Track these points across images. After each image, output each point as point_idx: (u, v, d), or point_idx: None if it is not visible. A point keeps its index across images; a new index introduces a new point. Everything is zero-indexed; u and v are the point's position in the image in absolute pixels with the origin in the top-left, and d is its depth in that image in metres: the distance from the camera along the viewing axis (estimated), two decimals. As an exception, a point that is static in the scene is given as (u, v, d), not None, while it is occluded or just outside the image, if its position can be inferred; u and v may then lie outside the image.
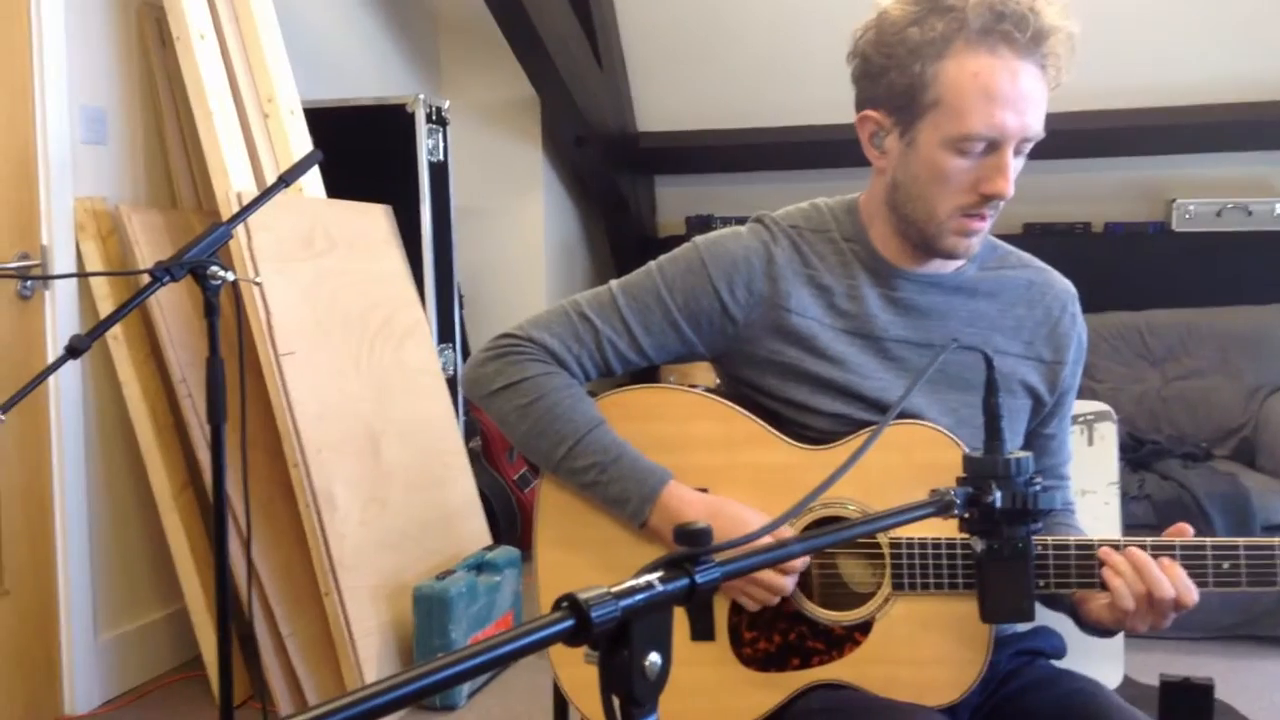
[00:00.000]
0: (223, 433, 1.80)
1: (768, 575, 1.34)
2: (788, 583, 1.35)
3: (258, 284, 2.55)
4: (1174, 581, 1.23)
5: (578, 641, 0.69)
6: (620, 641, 0.72)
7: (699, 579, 0.76)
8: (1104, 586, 1.27)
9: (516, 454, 4.18)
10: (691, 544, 0.78)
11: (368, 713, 0.59)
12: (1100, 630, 1.34)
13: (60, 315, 2.81)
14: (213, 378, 1.76)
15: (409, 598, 2.89)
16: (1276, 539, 1.25)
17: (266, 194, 1.90)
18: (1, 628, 2.69)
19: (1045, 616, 1.48)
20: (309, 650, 2.84)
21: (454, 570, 3.00)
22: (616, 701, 0.73)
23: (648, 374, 3.09)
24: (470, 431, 3.97)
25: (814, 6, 4.19)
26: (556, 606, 0.69)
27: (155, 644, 3.13)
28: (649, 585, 0.74)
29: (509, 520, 4.00)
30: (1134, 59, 4.06)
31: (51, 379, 2.66)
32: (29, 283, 2.75)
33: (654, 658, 0.73)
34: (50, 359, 2.73)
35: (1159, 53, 4.10)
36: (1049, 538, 1.30)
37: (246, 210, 1.88)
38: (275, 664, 2.80)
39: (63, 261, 2.79)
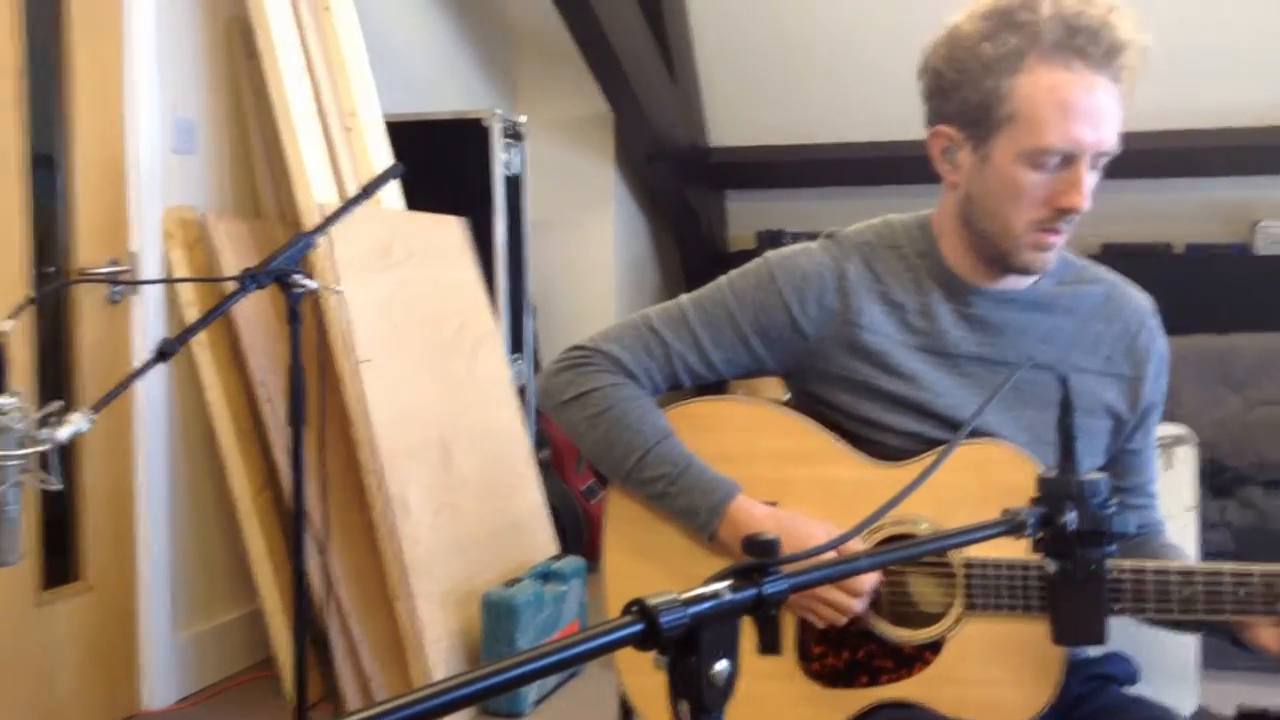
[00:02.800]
0: (302, 437, 1.85)
1: (837, 595, 1.33)
2: (857, 604, 1.34)
3: (339, 292, 2.60)
4: None
5: (646, 646, 0.70)
6: (688, 648, 0.73)
7: (766, 589, 0.77)
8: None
9: (584, 465, 4.21)
10: (760, 554, 0.79)
11: (437, 709, 0.61)
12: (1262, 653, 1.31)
13: (148, 320, 2.89)
14: (294, 383, 1.81)
15: (477, 604, 2.92)
16: None
17: (348, 205, 1.95)
18: (84, 623, 2.78)
19: (1119, 641, 1.46)
20: (380, 653, 2.89)
21: (521, 578, 3.03)
22: (685, 707, 0.75)
23: (716, 387, 3.09)
24: (540, 442, 4.01)
25: (885, 23, 4.17)
26: (626, 611, 0.70)
27: (231, 643, 3.20)
28: (717, 594, 0.75)
29: (576, 530, 4.02)
30: (1218, 78, 3.98)
31: (137, 382, 2.74)
32: (118, 288, 2.84)
33: (722, 665, 0.74)
34: (136, 363, 2.82)
35: (1243, 72, 4.02)
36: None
37: (329, 221, 1.93)
38: (347, 666, 2.85)
39: (150, 268, 2.88)
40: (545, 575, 3.10)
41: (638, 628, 0.69)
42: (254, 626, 3.18)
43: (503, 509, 3.26)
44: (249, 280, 1.73)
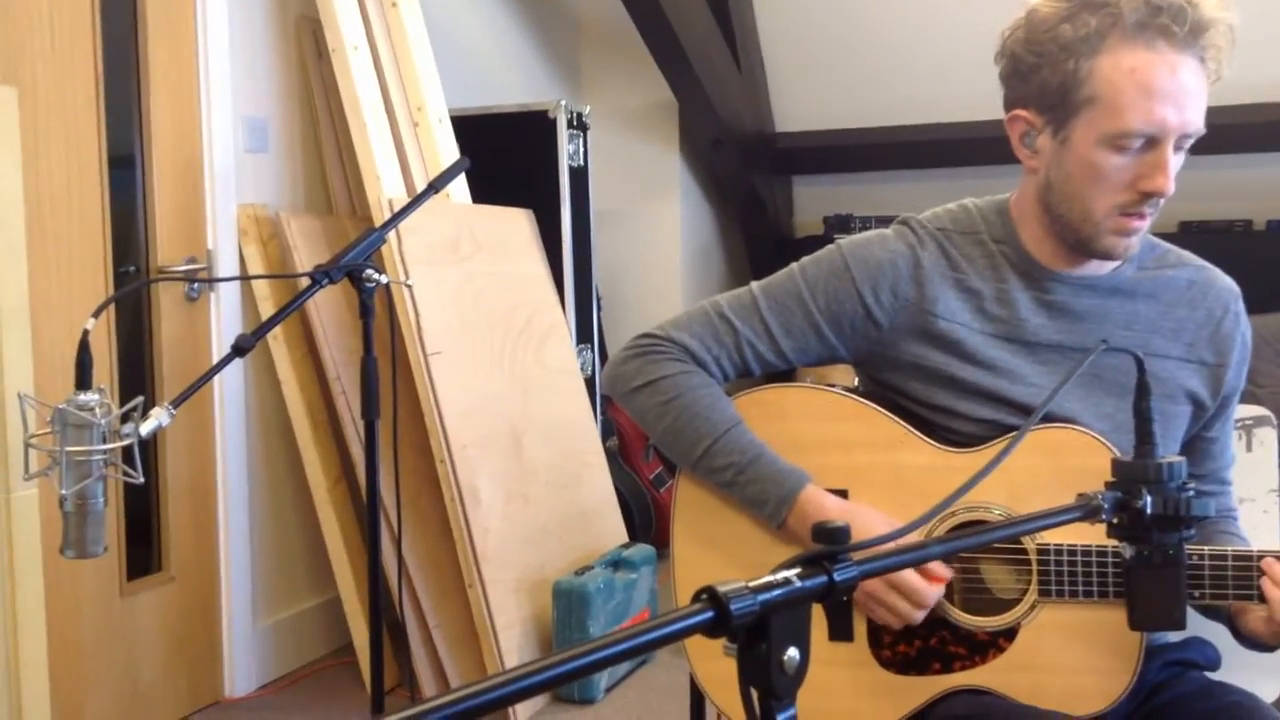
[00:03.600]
0: (376, 429, 1.88)
1: (913, 580, 1.32)
2: (932, 593, 1.33)
3: (409, 286, 2.64)
4: None
5: (716, 633, 0.70)
6: (759, 635, 0.73)
7: (837, 577, 0.77)
8: (1262, 598, 1.22)
9: (652, 453, 4.22)
10: (830, 542, 0.79)
11: (511, 695, 0.62)
12: (1258, 644, 1.29)
13: (224, 316, 2.96)
14: (367, 376, 1.84)
15: (549, 592, 2.95)
16: None
17: (417, 200, 1.98)
18: (167, 613, 2.86)
19: (1199, 626, 1.43)
20: (454, 641, 2.93)
21: (592, 566, 3.05)
22: (755, 695, 0.75)
23: (784, 374, 3.08)
24: (608, 431, 4.03)
25: (951, 4, 4.11)
26: (696, 599, 0.71)
27: (310, 631, 3.27)
28: (787, 581, 0.75)
29: (645, 519, 4.04)
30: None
31: (215, 377, 2.81)
32: (196, 285, 2.91)
33: (792, 653, 0.74)
34: (215, 358, 2.89)
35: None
36: (1205, 547, 1.25)
37: (398, 216, 1.96)
38: (422, 653, 2.89)
39: (227, 265, 2.95)
40: (615, 563, 3.12)
41: (708, 615, 0.70)
42: (332, 614, 3.25)
43: (572, 498, 3.28)
44: (321, 276, 1.76)
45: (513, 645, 2.87)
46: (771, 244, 5.03)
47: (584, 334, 3.80)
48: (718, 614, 0.70)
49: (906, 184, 4.79)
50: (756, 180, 4.84)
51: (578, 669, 0.64)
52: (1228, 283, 1.45)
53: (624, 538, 3.47)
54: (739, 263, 5.34)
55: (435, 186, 1.96)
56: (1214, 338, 1.42)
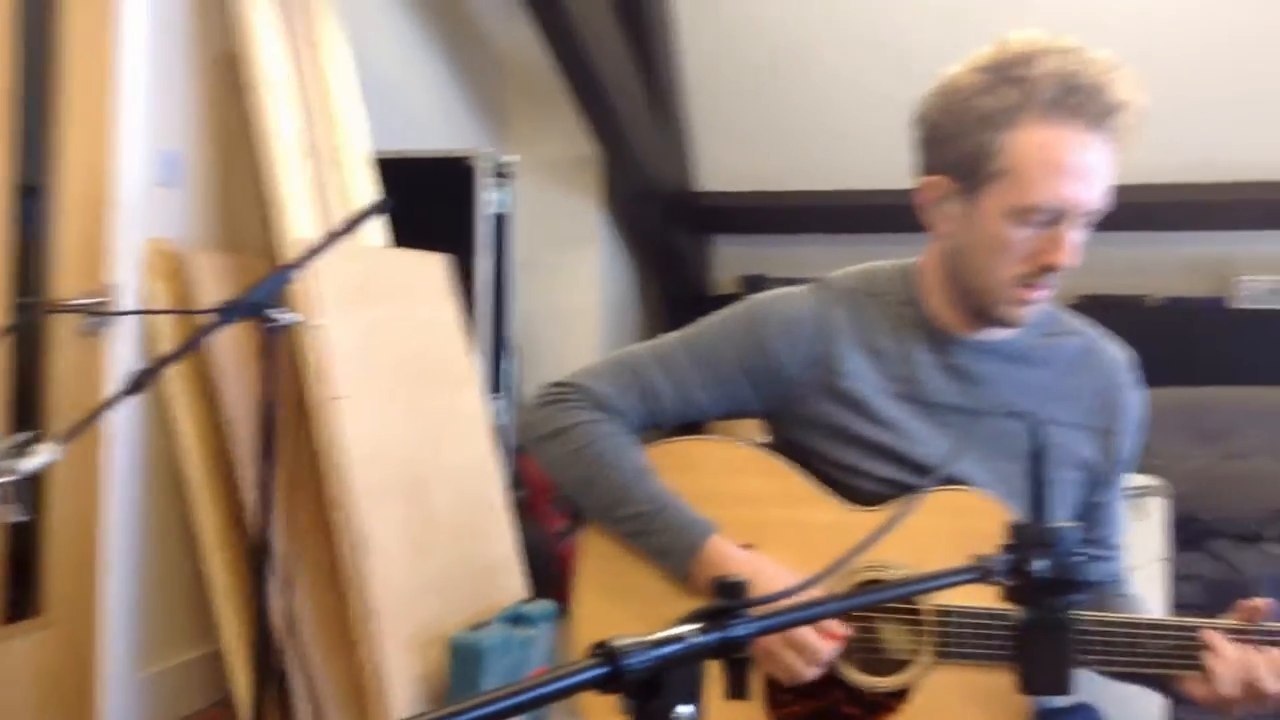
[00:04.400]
0: (272, 475, 1.83)
1: (809, 637, 1.32)
2: (827, 649, 1.33)
3: (320, 326, 2.59)
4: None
5: (609, 690, 0.69)
6: (652, 692, 0.72)
7: (733, 632, 0.76)
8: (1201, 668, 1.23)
9: (559, 507, 4.18)
10: (728, 597, 0.78)
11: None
12: (1191, 703, 1.30)
13: (122, 353, 2.87)
14: (266, 420, 1.79)
15: (445, 648, 2.89)
16: None
17: (330, 240, 1.95)
18: (42, 659, 2.73)
19: (1084, 692, 1.45)
20: (341, 697, 2.85)
21: (489, 622, 3.00)
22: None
23: (695, 427, 3.08)
24: (515, 483, 3.98)
25: (875, 74, 4.23)
26: (591, 653, 0.69)
27: (191, 682, 3.15)
28: (682, 636, 0.74)
29: (547, 574, 3.98)
30: (1200, 134, 4.04)
31: (108, 415, 2.72)
32: (94, 319, 2.82)
33: (685, 710, 0.73)
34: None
35: (1224, 129, 4.08)
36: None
37: (310, 255, 1.93)
38: (307, 709, 2.80)
39: (129, 300, 2.86)
40: (515, 619, 3.07)
41: (601, 670, 0.69)
42: (215, 666, 3.13)
43: (475, 550, 3.23)
44: (225, 313, 1.72)
45: (403, 702, 2.79)
46: (689, 301, 5.07)
47: (497, 384, 3.77)
48: (611, 670, 0.69)
49: (824, 247, 4.87)
50: (677, 237, 4.88)
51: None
52: (1120, 351, 1.49)
53: (525, 593, 3.42)
54: (657, 317, 5.37)
55: (350, 227, 1.93)
56: (1106, 405, 1.45)
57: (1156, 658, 1.25)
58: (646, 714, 0.72)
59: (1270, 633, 1.22)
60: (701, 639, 0.74)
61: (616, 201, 4.88)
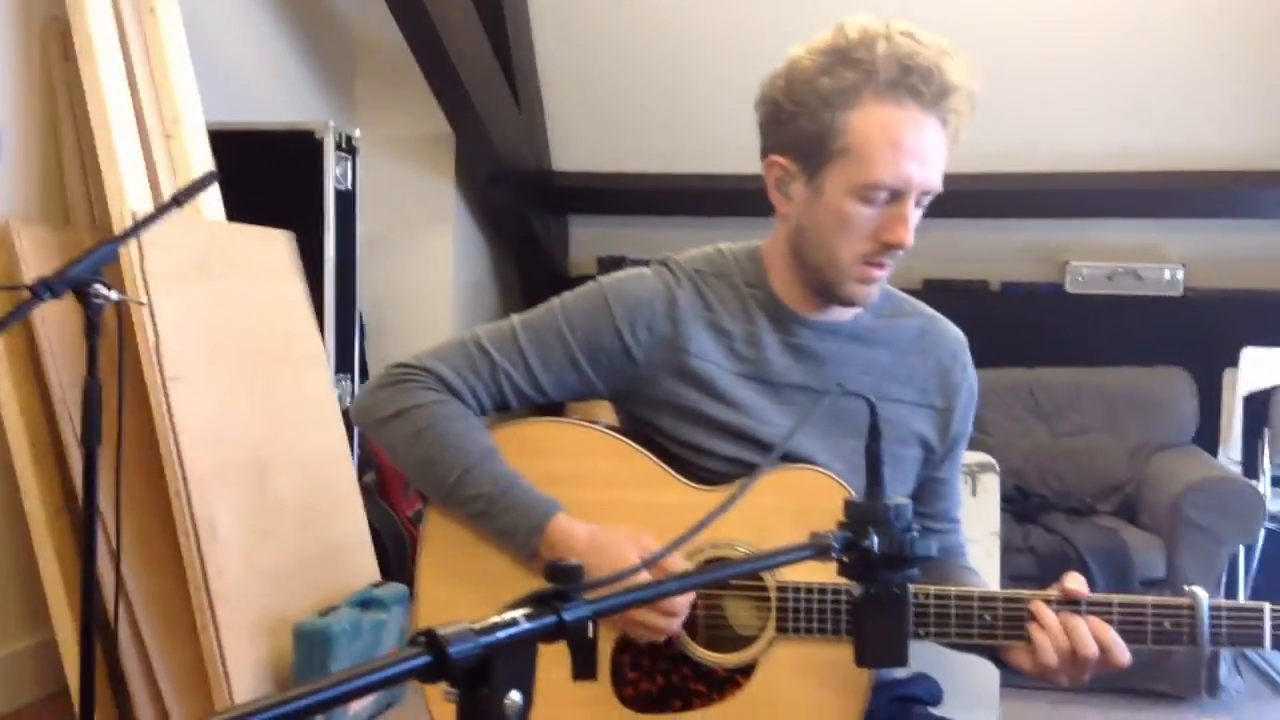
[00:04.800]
0: (96, 456, 1.74)
1: (651, 618, 1.32)
2: (671, 625, 1.33)
3: (142, 305, 2.47)
4: (1102, 641, 1.24)
5: (434, 678, 0.67)
6: (480, 679, 0.70)
7: (567, 616, 0.75)
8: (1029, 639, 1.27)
9: (412, 490, 4.11)
10: (562, 581, 0.77)
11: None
12: (1020, 672, 1.34)
13: (-64, 329, 2.69)
14: (90, 400, 1.70)
15: (290, 635, 2.80)
16: (1149, 598, 1.26)
17: (158, 213, 1.85)
18: None
19: (922, 663, 1.49)
20: (181, 685, 2.74)
21: (338, 606, 2.93)
22: (474, 740, 0.72)
23: (553, 409, 3.07)
24: (365, 465, 3.89)
25: (726, 58, 4.26)
26: (414, 641, 0.67)
27: (22, 673, 2.99)
28: (513, 621, 0.72)
29: (400, 557, 3.91)
30: (1035, 125, 4.20)
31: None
32: (-97, 294, 2.63)
33: (515, 696, 0.72)
34: (-78, 374, 2.62)
35: (1059, 121, 4.25)
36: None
37: (135, 228, 1.83)
38: (145, 698, 2.69)
39: (-57, 274, 2.68)
40: (365, 603, 3.00)
41: (425, 660, 0.66)
42: (47, 656, 2.98)
43: (322, 534, 3.15)
44: (42, 289, 1.62)
45: (246, 690, 2.70)
46: (546, 282, 5.02)
47: (344, 363, 3.67)
48: (436, 657, 0.66)
49: (680, 230, 4.89)
50: (532, 217, 4.83)
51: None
52: (956, 332, 1.53)
53: (376, 576, 3.35)
54: (512, 298, 5.32)
55: (179, 199, 1.84)
56: (943, 384, 1.49)
57: (986, 629, 1.29)
58: (474, 702, 0.70)
59: (1093, 603, 1.27)
60: (533, 624, 0.73)
61: (470, 181, 4.81)
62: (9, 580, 2.95)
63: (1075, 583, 1.28)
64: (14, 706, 2.97)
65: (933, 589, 1.30)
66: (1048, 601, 1.27)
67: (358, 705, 2.95)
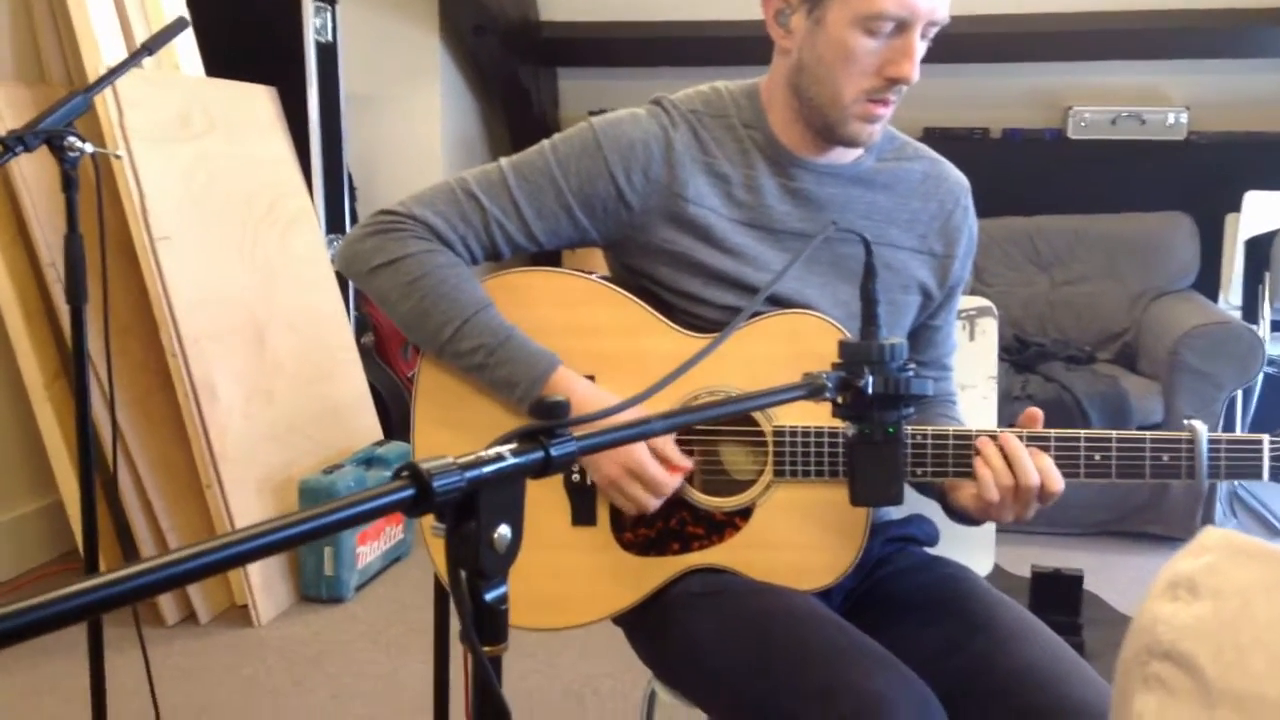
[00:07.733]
0: (85, 316, 1.71)
1: (654, 471, 1.31)
2: (671, 483, 1.33)
3: (119, 157, 2.41)
4: (1041, 470, 1.23)
5: (418, 511, 0.66)
6: (467, 513, 0.69)
7: (554, 452, 0.74)
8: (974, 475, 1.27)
9: (411, 351, 4.11)
10: (548, 417, 0.75)
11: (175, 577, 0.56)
12: (966, 519, 1.35)
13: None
14: (71, 256, 1.66)
15: (296, 492, 2.84)
16: (1147, 433, 1.26)
17: (128, 62, 1.78)
18: None
19: (920, 505, 1.50)
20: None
21: (342, 465, 2.95)
22: (464, 574, 0.71)
23: (550, 258, 3.04)
24: (362, 326, 3.88)
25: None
26: (397, 475, 0.66)
27: (31, 536, 3.04)
28: (499, 456, 0.71)
29: (402, 417, 3.94)
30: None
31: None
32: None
33: (503, 530, 0.71)
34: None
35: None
36: (929, 427, 1.29)
37: (107, 78, 1.76)
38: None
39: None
40: (368, 461, 3.03)
41: (408, 492, 0.65)
42: (54, 518, 3.03)
43: (322, 394, 3.15)
44: (14, 142, 1.57)
45: (256, 546, 2.75)
46: (536, 136, 4.87)
47: (334, 222, 3.62)
48: (419, 491, 0.65)
49: (673, 80, 4.73)
50: (520, 70, 4.70)
51: (250, 551, 0.58)
52: (959, 177, 1.49)
53: (378, 435, 3.38)
54: (502, 153, 5.20)
55: (150, 48, 1.77)
56: (944, 230, 1.46)
57: (938, 464, 1.28)
58: (461, 536, 0.69)
59: (1037, 436, 1.26)
60: (519, 459, 0.71)
61: (455, 33, 4.66)
62: (13, 445, 2.97)
63: (1029, 419, 1.27)
64: (26, 568, 3.03)
65: (930, 429, 1.29)
66: (993, 437, 1.26)
67: (368, 557, 3.00)
